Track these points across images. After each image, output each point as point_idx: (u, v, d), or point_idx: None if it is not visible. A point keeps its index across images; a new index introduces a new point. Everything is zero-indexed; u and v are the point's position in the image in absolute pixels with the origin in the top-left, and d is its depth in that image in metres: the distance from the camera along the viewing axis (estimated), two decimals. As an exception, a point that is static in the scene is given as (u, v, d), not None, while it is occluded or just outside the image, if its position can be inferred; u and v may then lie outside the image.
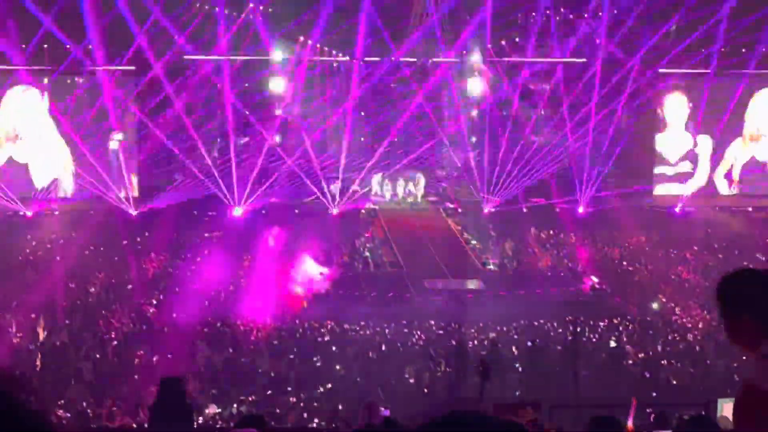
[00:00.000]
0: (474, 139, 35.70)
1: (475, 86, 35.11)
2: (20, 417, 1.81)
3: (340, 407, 18.93)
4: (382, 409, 10.98)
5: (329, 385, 21.33)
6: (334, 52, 34.07)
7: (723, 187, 34.83)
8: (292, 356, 23.45)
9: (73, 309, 26.89)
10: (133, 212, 32.79)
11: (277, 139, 34.82)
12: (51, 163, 32.60)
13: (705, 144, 34.56)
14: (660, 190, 35.08)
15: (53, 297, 26.70)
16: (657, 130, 34.82)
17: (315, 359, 23.26)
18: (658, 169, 34.97)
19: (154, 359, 22.83)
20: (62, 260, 29.76)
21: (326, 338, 25.36)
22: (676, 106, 34.66)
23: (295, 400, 20.25)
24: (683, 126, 34.63)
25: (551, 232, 34.93)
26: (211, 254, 30.82)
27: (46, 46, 31.33)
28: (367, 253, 33.53)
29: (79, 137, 31.84)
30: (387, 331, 26.04)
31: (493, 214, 35.17)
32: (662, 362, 23.96)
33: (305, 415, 18.85)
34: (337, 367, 22.71)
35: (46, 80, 32.15)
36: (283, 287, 29.17)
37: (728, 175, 34.78)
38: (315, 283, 30.12)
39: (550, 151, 34.56)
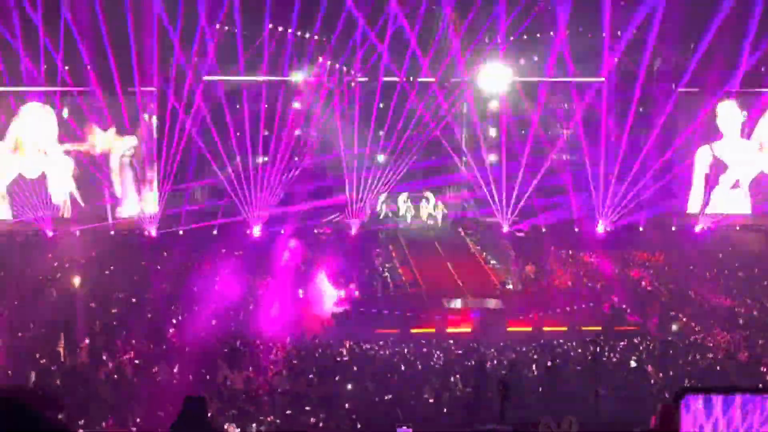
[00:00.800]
0: (493, 158, 35.70)
1: (494, 105, 35.19)
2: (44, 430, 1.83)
3: (359, 426, 18.89)
4: (404, 428, 10.97)
5: (348, 405, 21.28)
6: (352, 71, 34.19)
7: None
8: (311, 376, 23.41)
9: (93, 329, 26.96)
10: (153, 232, 32.92)
11: (296, 158, 34.91)
12: (66, 178, 32.89)
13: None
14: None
15: (74, 316, 26.78)
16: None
17: (334, 379, 23.21)
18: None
19: (174, 379, 22.83)
20: (83, 280, 29.87)
21: (345, 358, 25.33)
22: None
23: (314, 420, 20.20)
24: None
25: (571, 251, 34.85)
26: (231, 274, 30.87)
27: (67, 67, 31.57)
28: (387, 273, 33.51)
29: (97, 155, 32.14)
30: (406, 350, 25.99)
31: (513, 233, 35.14)
32: (683, 382, 23.79)
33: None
34: (356, 386, 22.65)
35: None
36: (303, 307, 29.19)
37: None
38: (334, 302, 30.13)
39: (571, 170, 34.54)
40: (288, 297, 29.28)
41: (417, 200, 36.71)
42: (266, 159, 34.61)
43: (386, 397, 21.86)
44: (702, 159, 34.53)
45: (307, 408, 20.88)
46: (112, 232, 32.95)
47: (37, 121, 32.52)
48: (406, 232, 36.15)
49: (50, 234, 32.63)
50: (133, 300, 29.42)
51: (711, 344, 27.27)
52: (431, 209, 36.74)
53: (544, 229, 35.48)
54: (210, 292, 30.02)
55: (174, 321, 28.18)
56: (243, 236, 33.27)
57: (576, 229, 35.00)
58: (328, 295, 30.32)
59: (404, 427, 11.45)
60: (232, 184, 33.59)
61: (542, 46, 34.12)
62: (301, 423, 19.77)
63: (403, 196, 36.47)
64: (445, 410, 21.52)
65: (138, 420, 19.42)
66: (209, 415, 15.42)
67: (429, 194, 36.95)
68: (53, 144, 32.70)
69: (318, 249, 32.53)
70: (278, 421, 19.70)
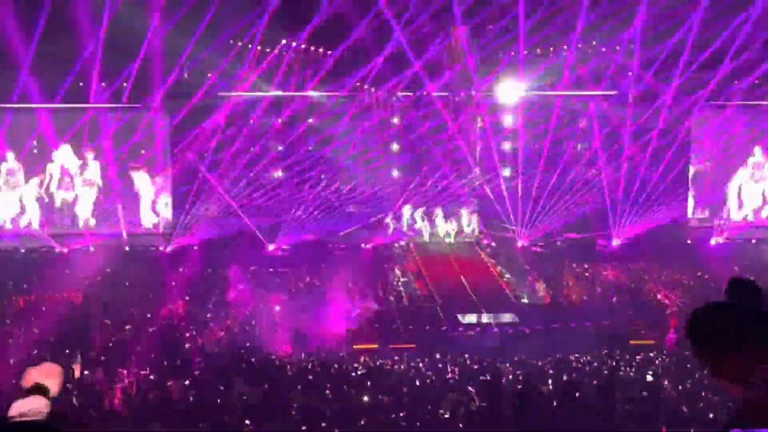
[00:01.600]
0: (508, 172, 35.69)
1: (508, 120, 35.19)
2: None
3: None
4: None
5: (363, 420, 21.21)
6: (365, 86, 34.27)
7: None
8: (326, 391, 23.35)
9: (108, 345, 27.01)
10: (168, 248, 33.01)
11: (312, 174, 35.00)
12: (91, 196, 33.24)
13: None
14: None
15: (88, 333, 26.85)
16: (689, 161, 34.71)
17: (350, 394, 23.16)
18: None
19: (190, 396, 22.82)
20: (98, 296, 29.96)
21: (360, 373, 25.28)
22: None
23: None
24: None
25: (586, 266, 34.74)
26: (245, 289, 30.90)
27: (81, 84, 31.74)
28: (401, 288, 33.48)
29: (114, 172, 32.31)
30: (421, 365, 25.93)
31: (528, 248, 35.08)
32: (701, 396, 23.64)
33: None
34: (372, 401, 22.58)
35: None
36: (318, 322, 29.16)
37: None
38: (349, 317, 30.10)
39: (584, 184, 34.49)
40: (303, 312, 29.28)
41: (433, 217, 36.61)
42: (281, 174, 34.66)
43: (401, 413, 21.79)
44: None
45: (323, 424, 20.84)
46: (127, 248, 33.04)
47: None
48: (421, 247, 36.11)
49: (65, 251, 32.75)
50: (148, 315, 29.46)
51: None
52: (448, 226, 36.64)
53: (559, 243, 35.42)
54: (224, 307, 30.07)
55: (188, 335, 28.21)
56: (257, 252, 33.30)
57: (591, 243, 34.91)
58: (343, 310, 30.30)
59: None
60: (247, 198, 33.67)
61: (558, 59, 34.13)
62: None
63: (419, 212, 36.45)
64: (461, 425, 21.44)
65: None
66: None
67: (443, 211, 36.79)
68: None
69: (332, 264, 32.52)
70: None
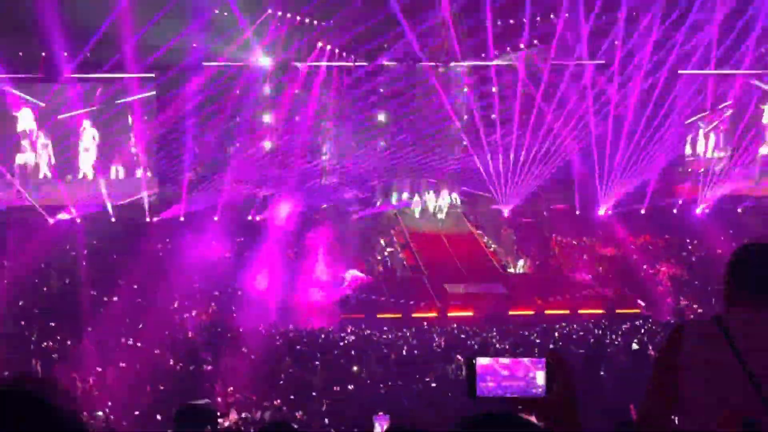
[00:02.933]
0: (493, 145, 35.53)
1: (492, 89, 35.07)
2: (52, 418, 1.83)
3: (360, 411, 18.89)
4: (381, 414, 11.01)
5: (351, 391, 21.31)
6: (344, 55, 34.04)
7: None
8: (314, 361, 23.44)
9: (96, 317, 27.00)
10: (154, 219, 32.94)
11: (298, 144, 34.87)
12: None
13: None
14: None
15: (77, 305, 26.83)
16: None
17: (337, 364, 23.25)
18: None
19: (178, 366, 22.87)
20: (85, 267, 29.92)
21: (348, 343, 25.38)
22: None
23: (317, 405, 20.23)
24: None
25: (573, 236, 34.85)
26: (231, 259, 30.92)
27: (65, 53, 31.49)
28: (388, 258, 33.53)
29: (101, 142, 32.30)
30: (408, 335, 26.04)
31: (514, 217, 35.14)
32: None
33: (326, 420, 18.85)
34: (360, 371, 22.68)
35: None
36: (305, 293, 29.22)
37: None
38: (336, 288, 30.17)
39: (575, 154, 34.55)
40: (290, 282, 29.32)
41: (422, 191, 36.37)
42: (272, 144, 34.54)
43: (389, 382, 21.90)
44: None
45: (311, 393, 20.93)
46: (113, 219, 32.96)
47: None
48: (409, 217, 36.08)
49: (51, 221, 32.64)
50: (135, 287, 29.42)
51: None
52: (439, 201, 36.41)
53: (546, 213, 35.50)
54: (209, 278, 30.08)
55: (176, 305, 28.23)
56: (243, 222, 33.27)
57: (578, 213, 35.00)
58: (329, 281, 30.36)
59: (381, 413, 11.50)
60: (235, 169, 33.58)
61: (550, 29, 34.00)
62: (304, 409, 19.81)
63: (407, 185, 36.29)
64: (449, 394, 21.55)
65: (141, 406, 19.47)
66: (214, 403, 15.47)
67: (437, 187, 36.52)
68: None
69: (319, 235, 32.53)
70: (284, 408, 19.74)
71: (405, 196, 36.35)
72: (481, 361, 2.70)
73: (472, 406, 2.10)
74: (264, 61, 33.29)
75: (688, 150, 35.71)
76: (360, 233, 33.67)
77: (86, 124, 33.24)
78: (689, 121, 34.64)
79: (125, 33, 30.10)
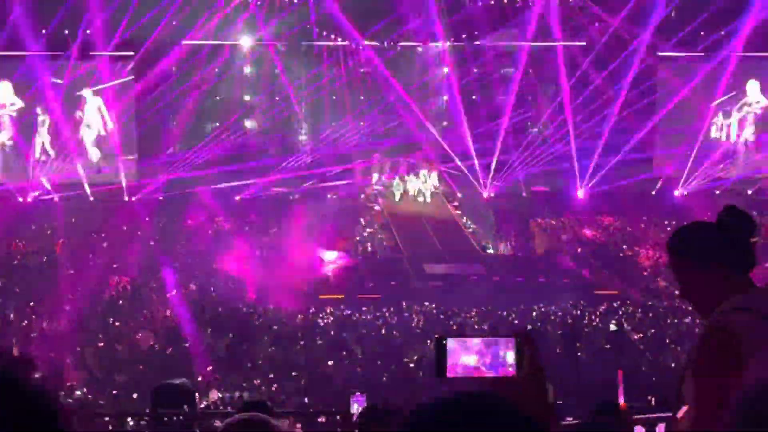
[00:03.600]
0: (470, 125, 35.32)
1: (474, 70, 35.00)
2: (27, 396, 1.81)
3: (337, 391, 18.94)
4: (358, 394, 11.02)
5: (330, 370, 21.35)
6: (325, 34, 33.88)
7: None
8: (293, 341, 23.47)
9: (74, 295, 26.90)
10: (132, 198, 32.78)
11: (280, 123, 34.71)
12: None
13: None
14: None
15: (55, 283, 26.73)
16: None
17: (316, 344, 23.29)
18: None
19: (156, 345, 22.84)
20: (64, 246, 29.79)
21: (327, 323, 25.42)
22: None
23: (296, 385, 20.26)
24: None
25: (552, 217, 34.92)
26: (210, 240, 30.84)
27: (43, 30, 31.25)
28: (368, 238, 33.49)
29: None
30: (387, 315, 26.08)
31: (493, 199, 35.16)
32: (663, 346, 23.98)
33: (306, 399, 18.90)
34: (338, 351, 22.72)
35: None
36: (284, 273, 29.17)
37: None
38: (315, 268, 30.14)
39: (550, 137, 34.56)
40: (269, 263, 29.28)
41: (403, 174, 35.88)
42: (254, 123, 34.36)
43: (368, 362, 21.95)
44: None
45: (291, 373, 20.96)
46: (92, 198, 32.79)
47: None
48: (388, 198, 35.94)
49: (29, 200, 32.45)
50: (114, 266, 29.31)
51: (690, 308, 27.42)
52: (421, 185, 35.93)
53: (524, 195, 35.51)
54: (190, 257, 30.02)
55: (154, 285, 28.14)
56: (224, 203, 33.13)
57: (557, 195, 35.05)
58: (309, 262, 30.32)
59: (357, 394, 11.53)
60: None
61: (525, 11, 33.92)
62: (283, 388, 19.85)
63: (387, 167, 35.91)
64: (427, 374, 21.60)
65: (119, 386, 19.46)
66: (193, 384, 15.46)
67: (416, 167, 36.04)
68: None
69: (298, 216, 32.46)
70: (263, 387, 19.77)
71: (385, 176, 36.05)
72: (451, 341, 2.70)
73: (447, 387, 2.10)
74: (245, 41, 33.12)
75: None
76: (339, 213, 33.57)
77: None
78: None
79: (95, 7, 29.84)
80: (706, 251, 3.77)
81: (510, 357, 2.68)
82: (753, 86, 35.01)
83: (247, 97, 34.35)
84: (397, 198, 35.58)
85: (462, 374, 2.69)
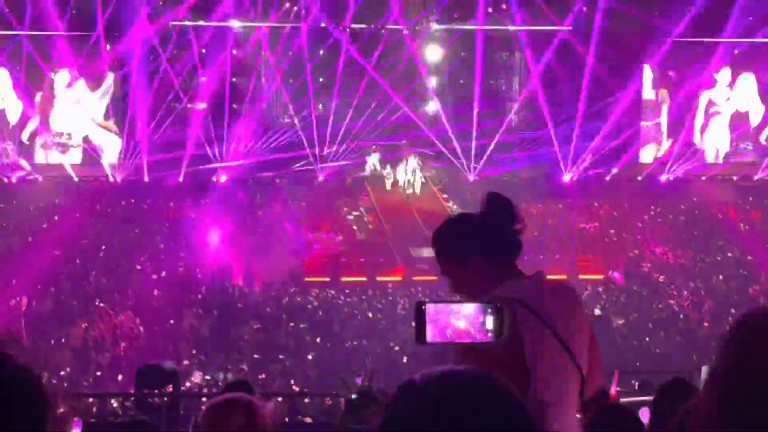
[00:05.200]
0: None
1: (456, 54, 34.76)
2: (12, 375, 1.80)
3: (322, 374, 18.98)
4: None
5: (315, 352, 21.40)
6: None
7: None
8: (277, 324, 23.50)
9: (58, 276, 26.84)
10: (118, 179, 32.61)
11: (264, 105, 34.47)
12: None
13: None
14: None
15: (39, 265, 26.62)
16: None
17: (301, 327, 23.32)
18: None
19: (141, 327, 22.82)
20: (47, 228, 29.67)
21: (312, 306, 25.44)
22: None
23: (280, 367, 20.30)
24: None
25: (537, 200, 34.90)
26: (195, 222, 30.73)
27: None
28: (353, 221, 33.44)
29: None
30: (373, 299, 26.11)
31: (479, 183, 35.05)
32: (647, 331, 24.12)
33: (291, 381, 18.95)
34: (323, 334, 22.77)
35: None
36: (269, 256, 29.14)
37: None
38: (300, 250, 30.12)
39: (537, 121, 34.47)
40: (254, 245, 29.25)
41: (396, 165, 35.23)
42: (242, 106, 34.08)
43: (352, 345, 22.01)
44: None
45: (276, 356, 21.01)
46: (76, 179, 32.60)
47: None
48: (373, 181, 35.73)
49: (14, 180, 32.24)
50: (103, 247, 29.21)
51: (675, 293, 27.59)
52: (410, 175, 35.29)
53: (509, 178, 35.39)
54: (175, 239, 29.94)
55: (138, 267, 28.08)
56: (210, 184, 33.00)
57: (544, 179, 35.01)
58: (294, 244, 30.31)
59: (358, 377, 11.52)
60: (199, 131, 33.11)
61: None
62: (267, 370, 19.89)
63: (374, 157, 35.32)
64: (413, 359, 21.67)
65: (103, 366, 19.45)
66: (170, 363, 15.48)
67: (405, 151, 35.37)
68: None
69: (283, 198, 32.39)
70: (246, 368, 19.80)
71: (374, 160, 35.40)
72: (431, 306, 2.68)
73: (432, 369, 2.07)
74: (234, 23, 32.88)
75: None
76: (324, 196, 33.48)
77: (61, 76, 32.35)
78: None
79: None
80: (467, 246, 3.74)
81: (489, 323, 2.66)
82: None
83: (233, 79, 34.06)
84: (388, 187, 35.05)
85: (441, 340, 2.67)
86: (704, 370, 11.83)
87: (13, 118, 31.76)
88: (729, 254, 30.63)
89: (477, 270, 3.65)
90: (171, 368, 11.78)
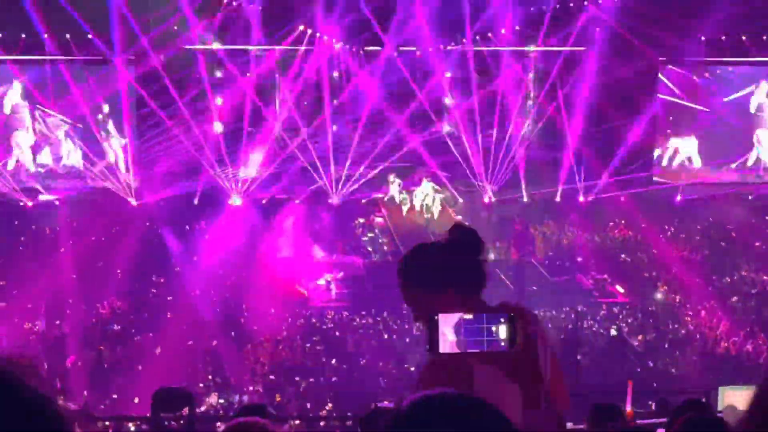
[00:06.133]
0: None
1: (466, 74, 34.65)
2: (28, 401, 1.82)
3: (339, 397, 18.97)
4: (386, 403, 11.04)
5: (331, 374, 21.37)
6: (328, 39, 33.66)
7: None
8: (294, 346, 23.49)
9: (74, 299, 26.93)
10: (134, 202, 32.71)
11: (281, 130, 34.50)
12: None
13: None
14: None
15: (55, 287, 26.74)
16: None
17: (317, 349, 23.32)
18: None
19: (157, 350, 22.87)
20: (64, 250, 29.78)
21: (327, 327, 25.44)
22: None
23: (296, 389, 20.29)
24: None
25: (551, 221, 34.83)
26: (212, 245, 30.78)
27: (46, 35, 31.23)
28: (368, 243, 33.43)
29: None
30: (388, 319, 26.09)
31: (494, 204, 35.00)
32: (663, 351, 24.01)
33: (308, 405, 18.93)
34: (339, 356, 22.75)
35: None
36: (285, 277, 29.18)
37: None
38: (316, 273, 30.15)
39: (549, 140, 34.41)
40: (270, 267, 29.27)
41: (409, 185, 35.05)
42: (253, 129, 34.12)
43: (368, 367, 21.97)
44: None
45: (293, 378, 20.99)
46: (94, 201, 32.69)
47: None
48: (389, 203, 35.66)
49: (30, 204, 32.40)
50: (118, 270, 29.29)
51: (691, 313, 27.47)
52: (428, 200, 35.04)
53: (525, 199, 35.32)
54: (191, 263, 29.99)
55: (154, 291, 28.16)
56: (224, 207, 33.06)
57: (557, 199, 34.94)
58: (310, 266, 30.33)
59: (386, 402, 11.54)
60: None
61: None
62: (283, 392, 19.89)
63: (396, 182, 34.99)
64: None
65: (119, 390, 19.48)
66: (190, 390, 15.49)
67: (425, 181, 35.02)
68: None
69: (299, 219, 32.42)
70: (261, 390, 19.80)
71: (395, 185, 34.96)
72: (444, 317, 2.70)
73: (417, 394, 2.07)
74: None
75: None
76: (341, 217, 33.49)
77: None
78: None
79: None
80: (434, 278, 3.73)
81: (502, 332, 2.68)
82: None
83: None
84: (404, 211, 34.67)
85: (454, 350, 2.69)
86: (720, 390, 11.80)
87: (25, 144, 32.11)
88: (744, 273, 30.51)
89: (444, 302, 3.55)
90: (187, 391, 11.81)
